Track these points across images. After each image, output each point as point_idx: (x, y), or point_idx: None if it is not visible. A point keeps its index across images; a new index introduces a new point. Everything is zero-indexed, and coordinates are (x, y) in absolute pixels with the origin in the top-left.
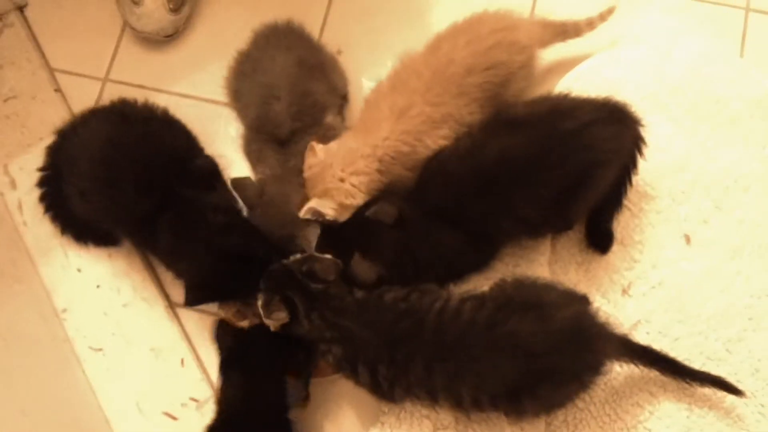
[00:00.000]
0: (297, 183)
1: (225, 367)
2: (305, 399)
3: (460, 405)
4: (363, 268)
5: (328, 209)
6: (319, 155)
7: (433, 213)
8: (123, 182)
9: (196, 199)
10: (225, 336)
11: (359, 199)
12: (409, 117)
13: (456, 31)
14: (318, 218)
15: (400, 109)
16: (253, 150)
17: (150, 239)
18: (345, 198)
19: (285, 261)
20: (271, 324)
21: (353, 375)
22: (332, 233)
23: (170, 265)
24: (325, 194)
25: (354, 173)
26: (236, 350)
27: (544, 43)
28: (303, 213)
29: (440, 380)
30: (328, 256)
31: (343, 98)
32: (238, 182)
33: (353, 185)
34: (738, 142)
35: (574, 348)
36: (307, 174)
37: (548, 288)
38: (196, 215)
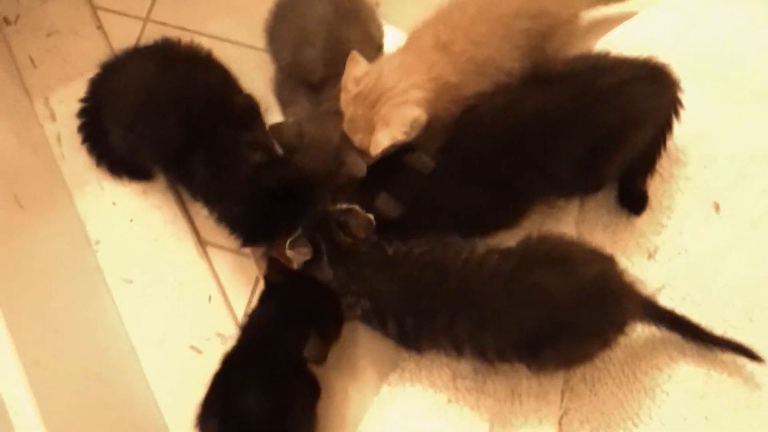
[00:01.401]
0: (334, 122)
1: (262, 300)
2: (322, 359)
3: (484, 355)
4: (388, 204)
5: (400, 134)
6: (363, 66)
7: (464, 165)
8: (164, 117)
9: (233, 136)
10: (272, 272)
11: (423, 117)
12: (452, 52)
13: None
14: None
15: (444, 42)
16: (284, 93)
17: (186, 175)
18: (411, 113)
19: (330, 207)
20: (293, 258)
21: (381, 327)
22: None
23: (208, 203)
24: (388, 116)
25: (414, 86)
26: (279, 287)
27: (591, 3)
28: (383, 146)
29: (464, 329)
30: (367, 214)
31: (378, 49)
32: (276, 127)
33: (417, 99)
34: (766, 111)
35: (598, 304)
36: (355, 89)
37: (575, 245)
38: (234, 153)
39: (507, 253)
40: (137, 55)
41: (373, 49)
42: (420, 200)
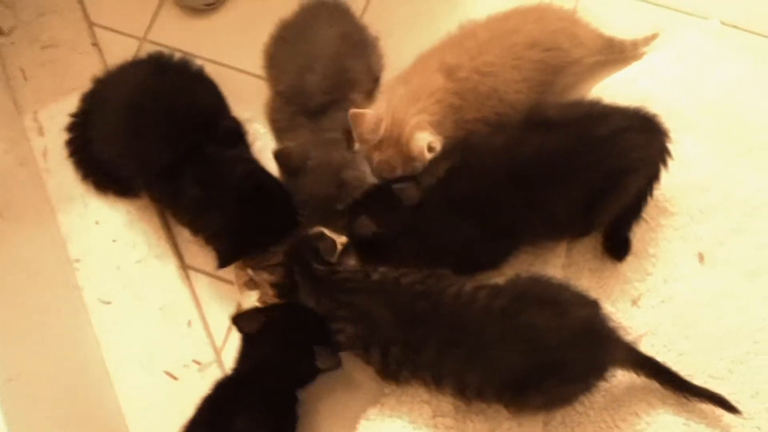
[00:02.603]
0: (337, 149)
1: (250, 338)
2: (338, 364)
3: (463, 393)
4: (364, 226)
5: (436, 141)
6: (369, 116)
7: (459, 203)
8: (151, 130)
9: (220, 154)
10: (245, 325)
11: (435, 140)
12: (456, 78)
13: (525, 9)
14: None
15: (449, 68)
16: (280, 119)
17: (171, 191)
18: (422, 141)
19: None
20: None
21: (365, 354)
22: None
23: (193, 218)
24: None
25: (421, 110)
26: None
27: (594, 51)
28: (422, 149)
29: (450, 365)
30: (333, 235)
31: (375, 81)
32: (280, 151)
33: (426, 123)
34: (761, 168)
35: (585, 348)
36: (374, 137)
37: (562, 287)
38: (220, 168)
39: (497, 290)
40: (128, 66)
41: (371, 80)
42: (408, 231)
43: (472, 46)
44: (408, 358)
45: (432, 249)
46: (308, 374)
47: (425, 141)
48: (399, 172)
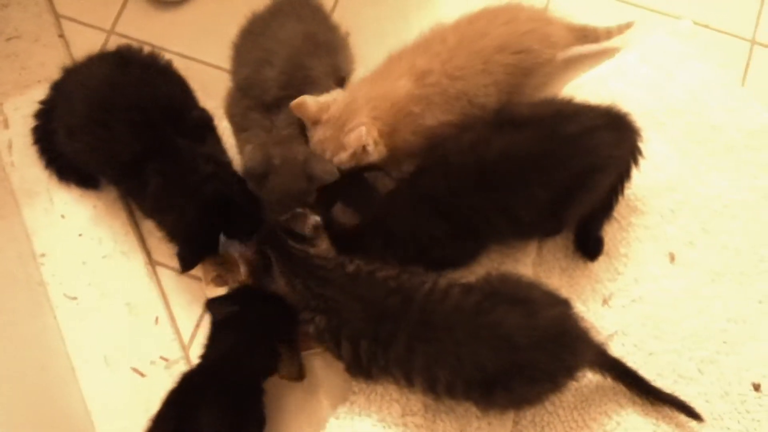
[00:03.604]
0: (297, 143)
1: (218, 326)
2: (298, 374)
3: (434, 389)
4: (344, 213)
5: (371, 142)
6: (310, 100)
7: (425, 197)
8: (117, 123)
9: (188, 148)
10: (215, 310)
11: (381, 149)
12: (425, 84)
13: (495, 11)
14: (358, 155)
15: (419, 72)
16: (236, 113)
17: (136, 185)
18: (375, 145)
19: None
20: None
21: (335, 347)
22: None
23: (155, 214)
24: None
25: (377, 119)
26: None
27: (568, 44)
28: (358, 142)
29: (419, 361)
30: (309, 213)
31: (342, 81)
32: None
33: (377, 133)
34: (730, 169)
35: (555, 347)
36: (326, 115)
37: (533, 286)
38: (187, 164)
39: (468, 287)
40: (95, 58)
41: (334, 80)
42: (377, 222)
43: (441, 51)
44: (378, 354)
45: (398, 243)
46: (272, 365)
47: (364, 138)
48: (328, 156)
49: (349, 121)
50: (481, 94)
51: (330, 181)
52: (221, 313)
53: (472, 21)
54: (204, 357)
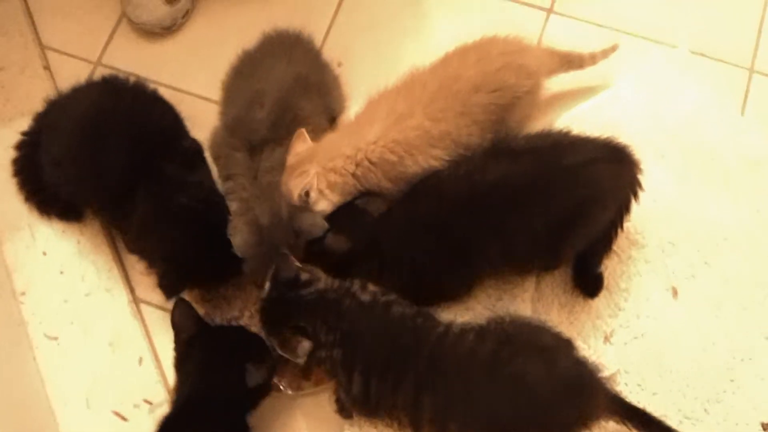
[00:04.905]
0: (278, 195)
1: (184, 355)
2: (268, 385)
3: None
4: (336, 241)
5: (315, 192)
6: (306, 143)
7: (417, 225)
8: (105, 152)
9: (178, 176)
10: (186, 320)
11: (331, 199)
12: (405, 126)
13: (467, 50)
14: (304, 201)
15: (399, 116)
16: (221, 154)
17: (123, 213)
18: (320, 192)
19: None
20: (302, 360)
21: (347, 383)
22: None
23: (140, 241)
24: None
25: (332, 170)
26: (196, 337)
27: (550, 71)
28: (300, 189)
29: (428, 409)
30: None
31: (332, 121)
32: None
33: (328, 183)
34: (730, 199)
35: (574, 398)
36: (290, 161)
37: (542, 330)
38: (176, 191)
39: (482, 333)
40: (82, 89)
41: (325, 120)
42: (371, 246)
43: (422, 96)
44: (386, 395)
45: (392, 268)
46: (244, 396)
47: (300, 187)
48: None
49: (299, 167)
50: (464, 134)
51: (318, 235)
52: (187, 327)
53: (445, 63)
54: (174, 398)
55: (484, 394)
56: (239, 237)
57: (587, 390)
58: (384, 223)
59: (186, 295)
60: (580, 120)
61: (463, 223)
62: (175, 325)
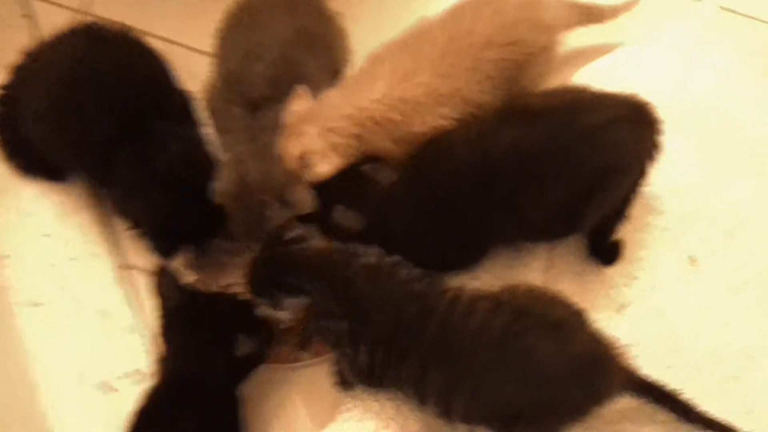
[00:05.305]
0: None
1: (169, 326)
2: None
3: (448, 415)
4: (347, 216)
5: (315, 155)
6: (305, 102)
7: (427, 192)
8: (88, 104)
9: (163, 129)
10: (172, 289)
11: (332, 161)
12: (412, 84)
13: (481, 2)
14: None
15: (405, 73)
16: (219, 107)
17: (107, 171)
18: (321, 154)
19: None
20: (287, 316)
21: (352, 354)
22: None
23: (125, 201)
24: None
25: (332, 131)
26: (183, 307)
27: (568, 25)
28: (299, 151)
29: (434, 385)
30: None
31: (335, 75)
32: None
33: (329, 144)
34: (756, 173)
35: (589, 377)
36: (287, 121)
37: (557, 302)
38: (160, 145)
39: (497, 303)
40: (61, 39)
41: (328, 76)
42: (376, 219)
43: (431, 52)
44: (391, 366)
45: (398, 240)
46: (233, 366)
47: (299, 149)
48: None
49: (298, 128)
50: (475, 91)
51: (306, 212)
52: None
53: (457, 15)
54: (160, 369)
55: (490, 371)
56: (222, 185)
57: (601, 369)
58: (390, 194)
59: (181, 263)
60: (594, 79)
61: (474, 194)
62: (161, 295)
